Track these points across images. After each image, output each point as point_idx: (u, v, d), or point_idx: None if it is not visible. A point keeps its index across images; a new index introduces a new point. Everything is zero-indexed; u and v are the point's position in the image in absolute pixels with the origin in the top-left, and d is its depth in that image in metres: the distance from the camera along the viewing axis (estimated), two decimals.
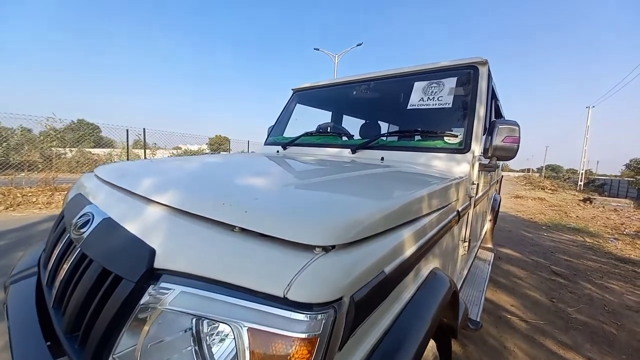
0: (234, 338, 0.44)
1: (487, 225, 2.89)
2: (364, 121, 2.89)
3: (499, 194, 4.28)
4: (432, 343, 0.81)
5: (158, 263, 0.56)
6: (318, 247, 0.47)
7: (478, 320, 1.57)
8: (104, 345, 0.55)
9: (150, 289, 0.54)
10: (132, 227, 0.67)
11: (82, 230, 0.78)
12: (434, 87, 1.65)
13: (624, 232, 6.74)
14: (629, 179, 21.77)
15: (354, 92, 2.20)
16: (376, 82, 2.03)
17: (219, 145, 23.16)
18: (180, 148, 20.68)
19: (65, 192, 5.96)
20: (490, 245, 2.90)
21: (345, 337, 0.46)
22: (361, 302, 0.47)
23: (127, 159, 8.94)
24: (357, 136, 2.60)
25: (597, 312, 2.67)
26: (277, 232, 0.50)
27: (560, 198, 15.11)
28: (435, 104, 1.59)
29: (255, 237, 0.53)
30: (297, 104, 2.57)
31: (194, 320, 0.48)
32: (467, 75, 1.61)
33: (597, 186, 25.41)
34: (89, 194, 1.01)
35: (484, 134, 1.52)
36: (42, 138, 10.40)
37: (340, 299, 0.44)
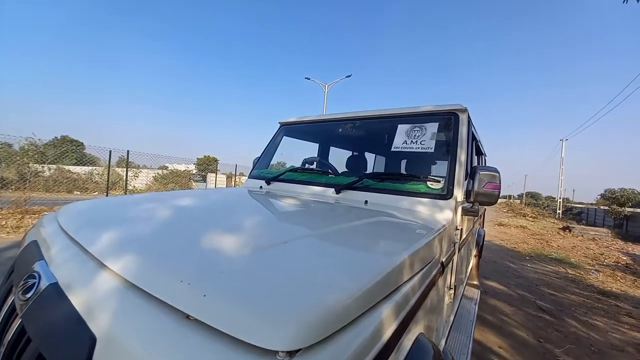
0: None
1: (473, 262, 2.87)
2: (350, 152, 2.93)
3: (483, 226, 4.33)
4: None
5: (97, 355, 0.48)
6: (282, 352, 0.42)
7: None
8: None
9: None
10: (77, 301, 0.59)
11: (27, 296, 0.69)
12: (417, 130, 1.68)
13: (604, 263, 6.89)
14: (604, 207, 22.74)
15: (340, 130, 2.23)
16: (362, 121, 2.06)
17: (207, 165, 22.92)
18: (166, 168, 20.27)
19: (36, 217, 5.61)
20: (476, 282, 2.86)
21: None
22: None
23: (108, 180, 8.65)
24: (343, 167, 2.61)
25: (583, 353, 2.62)
26: (235, 330, 0.44)
27: (541, 226, 15.52)
28: (418, 148, 1.61)
29: (211, 331, 0.46)
30: (284, 137, 2.58)
31: None
32: (448, 121, 1.65)
33: (574, 214, 26.37)
34: (43, 244, 0.92)
35: (465, 179, 1.54)
36: (21, 155, 10.01)
37: None
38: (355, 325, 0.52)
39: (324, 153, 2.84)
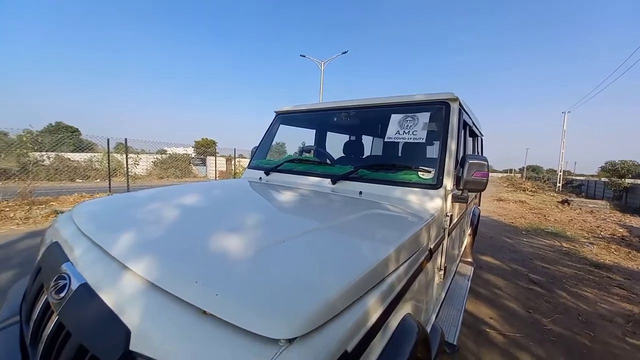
0: None
1: (467, 240, 2.99)
2: (348, 137, 2.98)
3: (479, 205, 4.44)
4: None
5: (133, 345, 0.58)
6: (282, 339, 0.51)
7: (455, 343, 1.63)
8: None
9: None
10: (109, 299, 0.69)
11: (60, 295, 0.79)
12: (409, 120, 1.72)
13: (600, 236, 7.06)
14: (605, 179, 22.80)
15: (335, 118, 2.26)
16: (355, 110, 2.10)
17: (205, 148, 22.92)
18: (165, 152, 20.30)
19: (44, 208, 5.67)
20: (470, 259, 3.00)
21: None
22: None
23: (109, 169, 8.75)
24: (340, 152, 2.67)
25: (571, 322, 2.79)
26: (244, 323, 0.54)
27: (540, 200, 15.69)
28: (410, 138, 1.66)
29: (224, 324, 0.55)
30: (281, 125, 2.61)
31: None
32: (439, 111, 1.69)
33: (574, 187, 26.48)
34: (65, 246, 1.01)
35: (455, 167, 1.60)
36: (18, 145, 10.08)
37: None
38: (343, 315, 0.61)
39: (320, 139, 2.88)
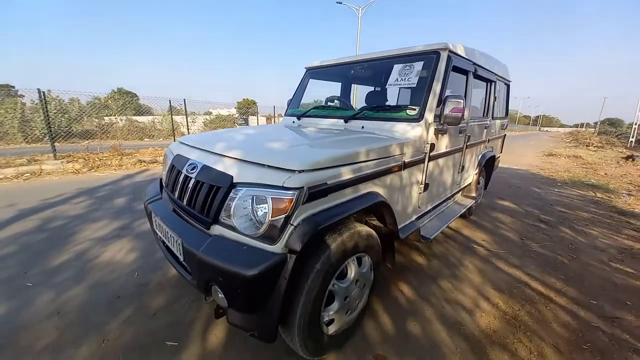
0: (266, 202, 1.21)
1: (472, 178, 3.42)
2: (372, 88, 3.43)
3: (501, 151, 4.63)
4: (367, 228, 1.54)
5: (235, 180, 1.34)
6: (297, 170, 1.21)
7: (430, 238, 2.26)
8: (217, 215, 1.36)
9: (232, 190, 1.33)
10: (219, 167, 1.45)
11: (193, 171, 1.59)
12: (407, 69, 2.18)
13: None
14: None
15: (352, 72, 2.75)
16: (368, 62, 2.57)
17: (247, 108, 24.09)
18: (210, 113, 22.09)
19: (130, 158, 7.17)
20: (473, 195, 3.45)
21: (305, 201, 1.20)
22: (312, 191, 1.21)
23: (173, 127, 10.20)
24: (363, 102, 3.18)
25: (559, 248, 3.15)
26: (281, 165, 1.25)
27: (601, 155, 14.19)
28: (405, 84, 2.14)
29: (275, 168, 1.27)
30: (310, 79, 3.17)
31: (249, 199, 1.26)
32: (431, 59, 2.11)
33: None
34: (185, 154, 1.81)
35: (438, 106, 2.07)
36: (91, 107, 12.10)
37: (302, 187, 1.18)
38: (327, 170, 1.31)
39: (345, 90, 3.39)
